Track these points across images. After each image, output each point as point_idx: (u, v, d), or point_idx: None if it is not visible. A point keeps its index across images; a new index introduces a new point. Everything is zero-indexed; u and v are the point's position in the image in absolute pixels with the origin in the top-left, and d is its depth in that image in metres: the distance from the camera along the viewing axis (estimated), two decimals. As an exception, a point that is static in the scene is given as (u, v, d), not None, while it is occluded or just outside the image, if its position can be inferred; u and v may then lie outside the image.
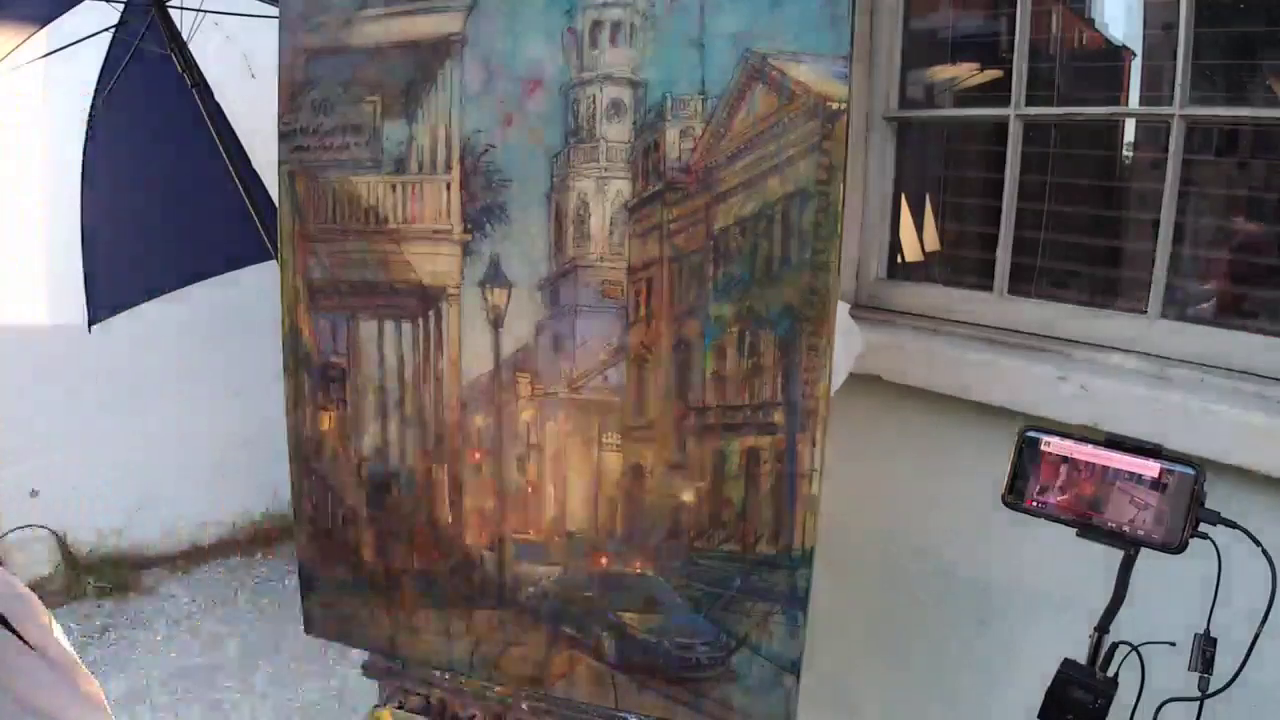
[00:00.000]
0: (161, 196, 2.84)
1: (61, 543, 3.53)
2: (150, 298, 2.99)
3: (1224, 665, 1.09)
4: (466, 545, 1.66)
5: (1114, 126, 1.92)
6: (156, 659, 3.08)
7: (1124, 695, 1.14)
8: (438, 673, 1.75)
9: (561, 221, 1.53)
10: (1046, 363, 1.72)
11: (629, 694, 1.60)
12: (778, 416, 1.45)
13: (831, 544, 1.52)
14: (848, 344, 1.70)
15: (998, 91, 1.90)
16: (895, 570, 1.95)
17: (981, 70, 2.05)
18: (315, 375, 1.73)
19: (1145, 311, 1.69)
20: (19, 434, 3.32)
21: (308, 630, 1.84)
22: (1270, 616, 1.06)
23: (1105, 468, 1.11)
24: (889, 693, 2.02)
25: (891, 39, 2.02)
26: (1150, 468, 1.08)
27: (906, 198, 2.13)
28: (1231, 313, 1.67)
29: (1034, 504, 1.16)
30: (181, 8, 2.58)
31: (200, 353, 3.60)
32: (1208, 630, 1.10)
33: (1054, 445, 1.14)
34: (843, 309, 1.58)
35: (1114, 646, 1.14)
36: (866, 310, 2.07)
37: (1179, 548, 1.07)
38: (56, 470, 3.47)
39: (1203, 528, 1.07)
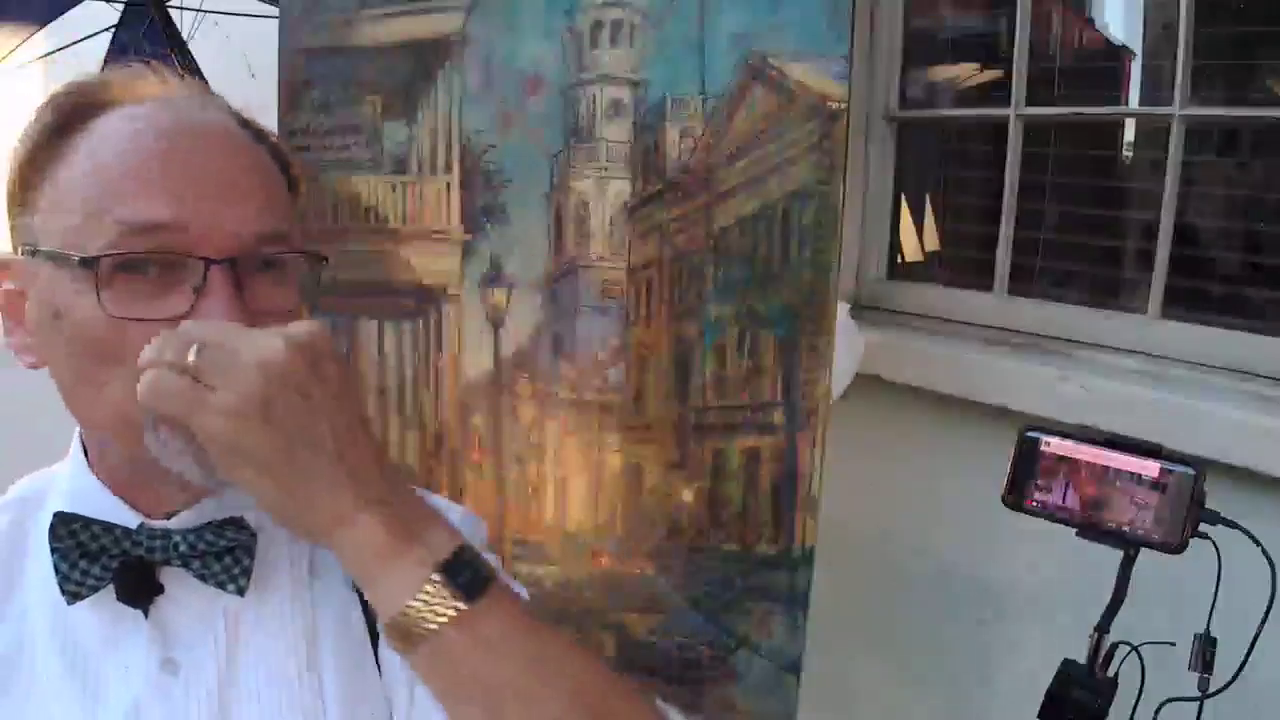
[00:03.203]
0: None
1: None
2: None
3: (1224, 665, 1.09)
4: (466, 545, 1.66)
5: (1114, 126, 1.92)
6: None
7: (1124, 695, 1.14)
8: (438, 673, 1.74)
9: (561, 221, 1.53)
10: (1046, 363, 1.72)
11: (629, 694, 1.60)
12: (778, 416, 1.45)
13: (831, 544, 1.52)
14: (850, 345, 1.70)
15: (998, 91, 1.90)
16: (895, 570, 1.94)
17: (981, 70, 2.05)
18: (315, 375, 1.73)
19: (1145, 311, 1.69)
20: (20, 435, 3.31)
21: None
22: (1270, 616, 1.06)
23: (1105, 468, 1.10)
24: (889, 692, 2.02)
25: (891, 39, 2.02)
26: (1150, 468, 1.08)
27: (906, 198, 2.13)
28: (1231, 313, 1.66)
29: (1034, 504, 1.15)
30: (181, 8, 2.58)
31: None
32: (1208, 630, 1.10)
33: (1054, 445, 1.14)
34: (843, 309, 1.58)
35: (1114, 646, 1.14)
36: (866, 310, 2.07)
37: (1179, 548, 1.06)
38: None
39: (1203, 528, 1.07)
